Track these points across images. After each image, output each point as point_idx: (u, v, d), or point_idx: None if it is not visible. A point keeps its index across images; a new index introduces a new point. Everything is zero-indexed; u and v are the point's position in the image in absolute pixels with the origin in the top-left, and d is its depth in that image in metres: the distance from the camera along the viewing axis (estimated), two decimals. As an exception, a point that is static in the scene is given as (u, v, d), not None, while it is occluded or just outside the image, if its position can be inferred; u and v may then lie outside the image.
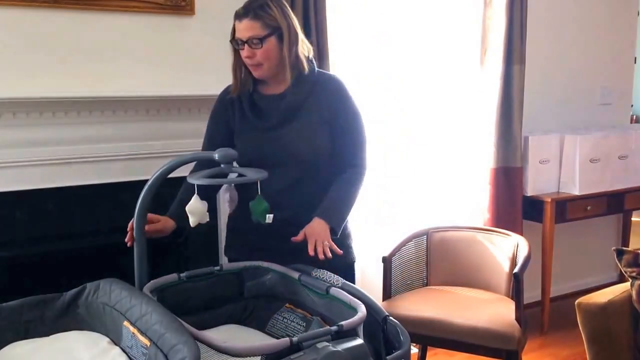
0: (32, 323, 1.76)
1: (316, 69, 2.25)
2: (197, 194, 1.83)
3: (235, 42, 2.15)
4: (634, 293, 2.40)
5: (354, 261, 2.33)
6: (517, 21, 3.64)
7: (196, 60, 2.92)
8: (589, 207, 3.95)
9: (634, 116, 7.89)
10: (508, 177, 3.75)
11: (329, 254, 1.99)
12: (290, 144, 2.15)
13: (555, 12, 4.11)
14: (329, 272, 1.93)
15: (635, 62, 4.74)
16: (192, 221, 1.85)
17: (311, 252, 1.98)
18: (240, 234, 2.28)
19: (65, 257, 2.71)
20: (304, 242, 2.04)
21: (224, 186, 1.91)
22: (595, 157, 3.93)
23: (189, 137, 2.84)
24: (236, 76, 2.23)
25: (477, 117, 3.75)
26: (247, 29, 2.09)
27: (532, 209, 3.87)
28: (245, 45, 2.10)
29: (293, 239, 2.03)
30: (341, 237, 2.17)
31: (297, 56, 2.16)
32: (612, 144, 4.02)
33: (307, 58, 2.20)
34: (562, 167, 3.97)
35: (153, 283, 1.85)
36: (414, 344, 3.14)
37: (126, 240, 1.98)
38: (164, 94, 2.77)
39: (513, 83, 3.69)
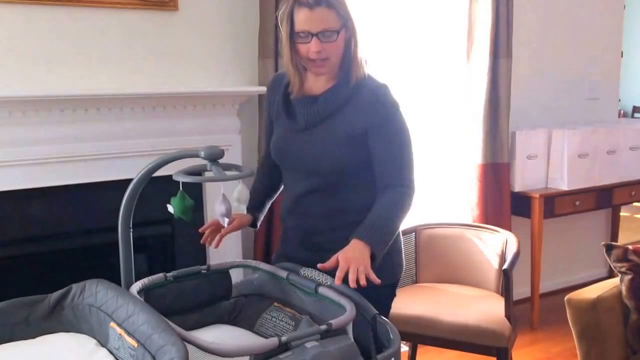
0: (18, 325, 1.74)
1: (367, 73, 1.97)
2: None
3: (297, 35, 1.87)
4: (623, 288, 2.40)
5: (397, 279, 2.07)
6: (504, 15, 3.63)
7: (181, 56, 2.89)
8: (577, 202, 3.95)
9: (622, 111, 7.95)
10: (496, 173, 3.75)
11: (364, 281, 1.67)
12: (309, 154, 1.95)
13: (541, 5, 4.11)
14: (317, 271, 1.90)
15: (622, 57, 4.75)
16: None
17: (337, 281, 1.69)
18: (280, 241, 2.20)
19: (50, 258, 2.68)
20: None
21: (220, 198, 1.89)
22: (583, 152, 3.94)
23: (176, 134, 2.82)
24: (300, 73, 1.95)
25: (464, 112, 3.74)
26: (320, 19, 1.83)
27: (521, 204, 3.87)
28: (315, 38, 1.84)
29: (320, 266, 1.77)
30: (389, 253, 1.91)
31: (356, 55, 1.94)
32: (600, 138, 4.03)
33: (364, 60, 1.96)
34: (550, 163, 3.97)
35: (140, 283, 1.83)
36: (404, 342, 3.13)
37: (202, 241, 2.07)
38: (148, 91, 2.73)
39: (500, 77, 3.68)
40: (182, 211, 1.89)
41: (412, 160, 1.96)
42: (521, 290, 3.94)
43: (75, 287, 1.79)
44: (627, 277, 2.39)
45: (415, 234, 3.16)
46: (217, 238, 2.04)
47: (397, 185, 1.91)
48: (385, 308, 1.97)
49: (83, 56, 2.68)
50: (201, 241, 2.07)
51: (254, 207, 2.13)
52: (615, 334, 2.39)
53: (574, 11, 4.28)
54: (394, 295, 2.08)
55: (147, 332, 1.50)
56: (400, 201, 1.90)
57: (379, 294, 1.90)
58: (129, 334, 1.56)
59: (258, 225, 2.17)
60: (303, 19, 1.83)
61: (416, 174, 1.98)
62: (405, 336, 2.82)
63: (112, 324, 1.62)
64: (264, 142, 2.97)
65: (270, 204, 2.21)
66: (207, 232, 2.07)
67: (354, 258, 1.72)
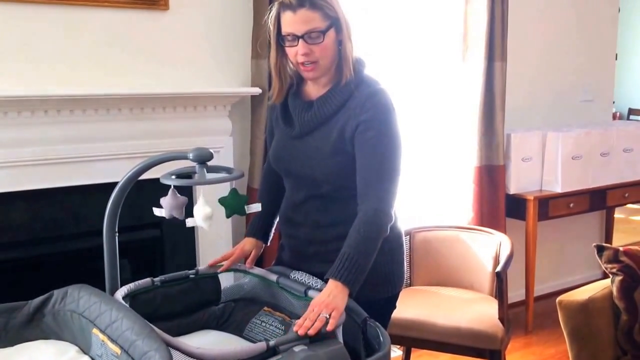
0: (-5, 333, 1.70)
1: (363, 71, 1.93)
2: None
3: (283, 39, 1.84)
4: (614, 289, 2.39)
5: (397, 292, 2.02)
6: (499, 17, 3.62)
7: (171, 56, 2.85)
8: (571, 205, 3.94)
9: (617, 113, 7.95)
10: (491, 175, 3.74)
11: (313, 332, 1.56)
12: (305, 161, 1.91)
13: (536, 8, 4.10)
14: (307, 274, 1.88)
15: (616, 59, 4.74)
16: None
17: (296, 328, 1.57)
18: (279, 249, 2.14)
19: (33, 263, 2.64)
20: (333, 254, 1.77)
21: (169, 194, 1.83)
22: (577, 154, 3.92)
23: (165, 136, 2.79)
24: (282, 79, 1.93)
25: (459, 115, 3.73)
26: (304, 20, 1.79)
27: (515, 207, 3.85)
28: (301, 40, 1.81)
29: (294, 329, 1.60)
30: (390, 265, 1.95)
31: (348, 55, 1.87)
32: (594, 141, 4.01)
33: (355, 58, 1.90)
34: (544, 165, 3.95)
35: (125, 288, 1.80)
36: (398, 346, 3.11)
37: (220, 270, 2.02)
38: (137, 92, 2.69)
39: (495, 80, 3.67)
40: (236, 209, 1.78)
41: (393, 178, 1.82)
42: (516, 293, 3.92)
43: (56, 293, 1.75)
44: (618, 278, 2.38)
45: (410, 237, 3.14)
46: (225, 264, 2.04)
47: (366, 202, 1.79)
48: (384, 321, 1.90)
49: (70, 55, 2.64)
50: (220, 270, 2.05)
51: (262, 228, 2.11)
52: (606, 335, 2.38)
53: (568, 14, 4.27)
54: (394, 307, 2.05)
55: (131, 338, 1.47)
56: (367, 229, 1.76)
57: (379, 307, 1.89)
58: (112, 340, 1.52)
59: (269, 242, 2.15)
60: (288, 21, 1.81)
61: (403, 179, 1.87)
62: (398, 340, 2.79)
63: (95, 331, 1.58)
64: (256, 145, 2.96)
65: (277, 217, 2.12)
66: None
67: (324, 303, 1.64)
